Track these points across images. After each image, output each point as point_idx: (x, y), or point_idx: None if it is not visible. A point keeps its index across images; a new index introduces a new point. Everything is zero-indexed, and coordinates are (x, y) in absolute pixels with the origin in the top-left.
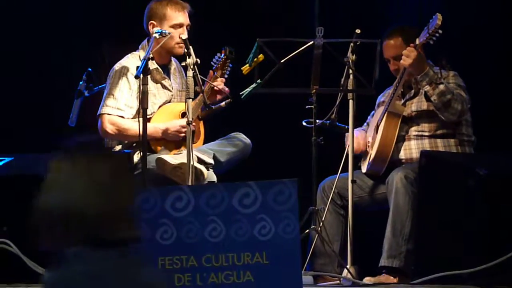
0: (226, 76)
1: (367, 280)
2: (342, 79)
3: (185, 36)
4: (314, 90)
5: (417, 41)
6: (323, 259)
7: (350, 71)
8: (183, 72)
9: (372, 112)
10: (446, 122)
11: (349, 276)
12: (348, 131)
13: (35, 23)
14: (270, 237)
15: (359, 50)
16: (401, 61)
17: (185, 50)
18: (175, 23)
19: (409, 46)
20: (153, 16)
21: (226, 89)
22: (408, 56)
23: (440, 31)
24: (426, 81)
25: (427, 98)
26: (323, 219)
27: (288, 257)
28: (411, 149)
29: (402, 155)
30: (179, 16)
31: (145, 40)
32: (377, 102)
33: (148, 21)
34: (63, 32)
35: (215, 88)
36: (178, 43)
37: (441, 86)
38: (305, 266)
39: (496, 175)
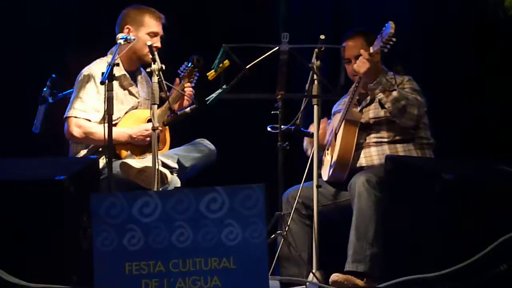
0: (193, 85)
1: (335, 276)
2: (307, 85)
3: (158, 45)
4: (279, 96)
5: (371, 50)
6: (290, 264)
7: (315, 76)
8: (150, 81)
9: (329, 121)
10: (404, 127)
11: (315, 280)
12: (312, 136)
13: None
14: (238, 242)
15: (324, 56)
16: (355, 66)
17: (150, 56)
18: (151, 31)
19: (365, 52)
20: (130, 22)
21: (191, 92)
22: (364, 63)
23: (394, 39)
24: (379, 89)
25: (382, 106)
26: (288, 226)
27: (255, 261)
28: (371, 156)
29: (363, 162)
30: (156, 25)
31: (115, 46)
32: (333, 111)
33: (123, 25)
34: (28, 39)
35: (185, 94)
36: None
37: (395, 93)
38: (271, 270)
39: (462, 180)
